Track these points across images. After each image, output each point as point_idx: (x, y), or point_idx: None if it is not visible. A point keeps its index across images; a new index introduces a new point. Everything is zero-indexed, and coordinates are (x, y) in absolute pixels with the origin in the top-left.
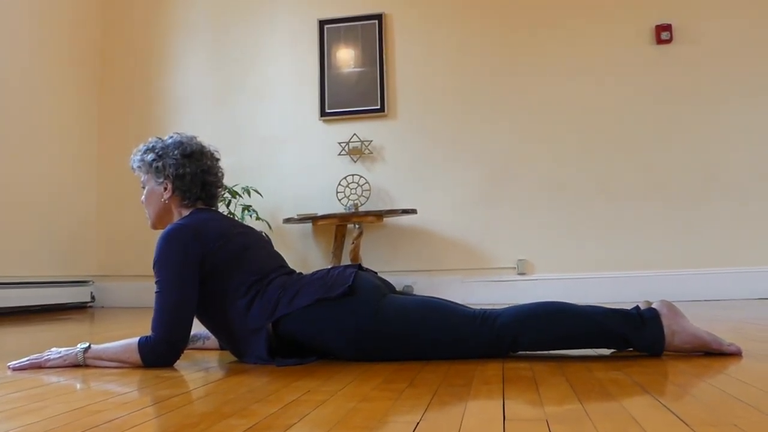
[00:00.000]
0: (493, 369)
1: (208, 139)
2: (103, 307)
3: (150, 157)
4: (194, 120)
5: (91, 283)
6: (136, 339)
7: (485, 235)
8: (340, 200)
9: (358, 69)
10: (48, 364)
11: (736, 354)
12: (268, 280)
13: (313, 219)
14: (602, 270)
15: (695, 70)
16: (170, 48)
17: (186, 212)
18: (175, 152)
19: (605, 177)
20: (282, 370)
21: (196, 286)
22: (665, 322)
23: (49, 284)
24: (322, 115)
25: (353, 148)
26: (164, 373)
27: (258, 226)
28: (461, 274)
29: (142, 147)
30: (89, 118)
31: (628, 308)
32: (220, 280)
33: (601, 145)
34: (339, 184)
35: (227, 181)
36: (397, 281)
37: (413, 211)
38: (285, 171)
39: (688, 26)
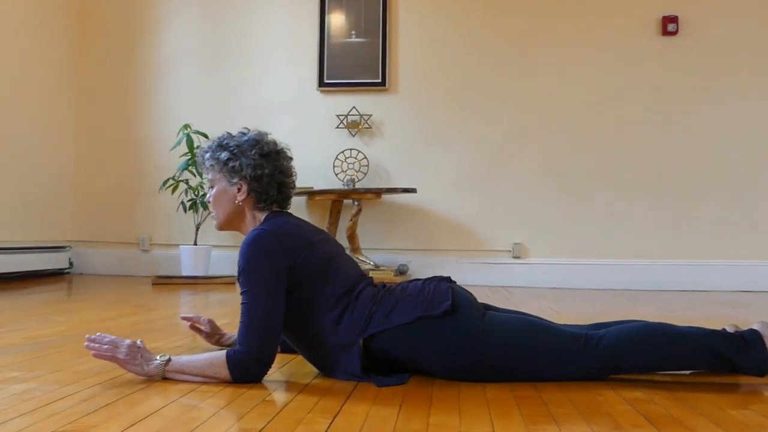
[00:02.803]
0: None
1: (196, 105)
2: (81, 273)
3: (224, 155)
4: (181, 84)
5: (68, 248)
6: (222, 353)
7: (482, 217)
8: (336, 175)
9: (360, 39)
10: (127, 367)
11: None
12: (356, 292)
13: (309, 193)
14: (595, 257)
15: (698, 64)
16: (157, 5)
17: (260, 215)
18: (252, 151)
19: (603, 165)
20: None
21: (284, 298)
22: None
23: (24, 250)
24: (320, 86)
25: (352, 121)
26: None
27: None
28: (456, 254)
29: (212, 143)
30: (67, 77)
31: (719, 330)
32: (307, 291)
33: (601, 133)
34: (336, 158)
35: None
36: (393, 260)
37: (413, 190)
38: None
39: (695, 19)
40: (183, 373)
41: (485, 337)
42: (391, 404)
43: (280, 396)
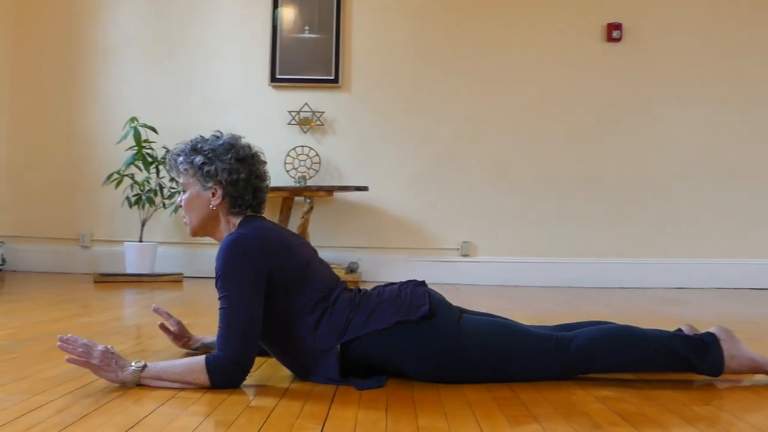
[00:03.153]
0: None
1: (143, 97)
2: (15, 271)
3: (198, 159)
4: (127, 75)
5: (1, 243)
6: (200, 358)
7: (432, 215)
8: (288, 171)
9: (313, 35)
10: (100, 374)
11: None
12: (333, 297)
13: None
14: (540, 255)
15: (639, 70)
16: None
17: (234, 220)
18: (228, 156)
19: (549, 166)
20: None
21: (262, 302)
22: (724, 346)
23: None
24: (272, 81)
25: (304, 118)
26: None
27: None
28: (406, 253)
29: (185, 146)
30: (1, 62)
31: (674, 331)
32: (284, 296)
33: (547, 135)
34: (288, 155)
35: (165, 142)
36: (343, 258)
37: (365, 188)
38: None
39: (638, 27)
40: (159, 379)
41: (462, 340)
42: (376, 408)
43: (263, 401)
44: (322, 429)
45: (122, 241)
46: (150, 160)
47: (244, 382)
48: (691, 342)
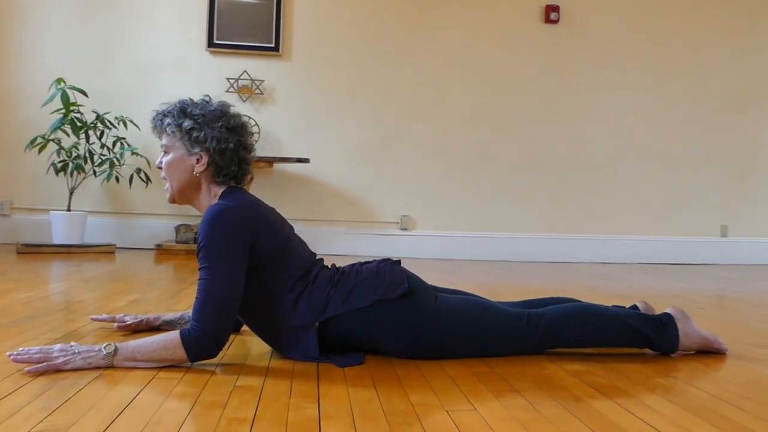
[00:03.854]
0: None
1: (69, 57)
2: None
3: (187, 123)
4: (51, 33)
5: None
6: (174, 333)
7: (373, 189)
8: None
9: (253, 0)
10: (68, 366)
11: (725, 350)
12: (313, 274)
13: None
14: (477, 230)
15: (576, 53)
16: None
17: (216, 189)
18: (218, 123)
19: (487, 144)
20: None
21: (244, 277)
22: (679, 325)
23: None
24: (209, 46)
25: (243, 86)
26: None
27: (137, 163)
28: (346, 225)
29: (172, 108)
30: None
31: (629, 308)
32: (265, 272)
33: (486, 114)
34: None
35: (95, 106)
36: None
37: (306, 161)
38: (162, 102)
39: (575, 10)
40: (134, 360)
41: (440, 317)
42: (364, 385)
43: (248, 381)
44: (318, 407)
45: (48, 210)
46: (79, 124)
47: (224, 362)
48: (651, 321)
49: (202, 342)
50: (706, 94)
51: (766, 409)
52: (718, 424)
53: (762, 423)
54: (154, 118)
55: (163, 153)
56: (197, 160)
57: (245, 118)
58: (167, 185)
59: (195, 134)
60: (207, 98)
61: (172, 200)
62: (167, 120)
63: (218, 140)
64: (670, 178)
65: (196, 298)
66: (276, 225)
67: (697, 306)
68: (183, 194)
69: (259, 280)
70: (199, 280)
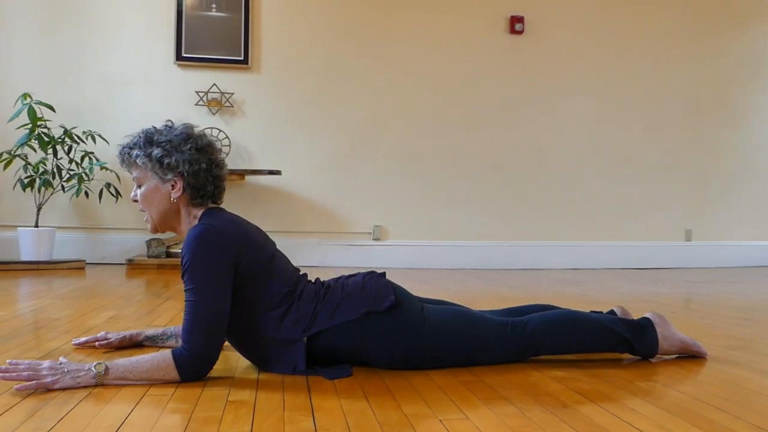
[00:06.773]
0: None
1: (34, 71)
2: None
3: (156, 152)
4: (15, 46)
5: None
6: (167, 353)
7: (344, 199)
8: None
9: (221, 13)
10: (57, 386)
11: (705, 354)
12: (299, 290)
13: None
14: (448, 239)
15: (540, 62)
16: None
17: (195, 211)
18: (187, 146)
19: (454, 152)
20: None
21: (230, 295)
22: (658, 329)
23: None
24: (177, 59)
25: (212, 99)
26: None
27: (106, 177)
28: (319, 236)
29: (137, 139)
30: None
31: (607, 313)
32: (251, 290)
33: (453, 122)
34: None
35: (63, 121)
36: None
37: (278, 172)
38: (131, 116)
39: (539, 21)
40: (125, 379)
41: (427, 328)
42: (356, 397)
43: (240, 395)
44: (313, 420)
45: (15, 227)
46: (47, 139)
47: (212, 376)
48: (631, 325)
49: (194, 362)
50: (666, 101)
51: (745, 410)
52: (699, 425)
53: (741, 423)
54: (120, 152)
55: (136, 186)
56: (172, 186)
57: (212, 137)
58: (146, 216)
59: (166, 161)
60: (170, 123)
61: (155, 230)
62: (135, 152)
63: (190, 163)
64: (634, 184)
65: (185, 319)
66: (260, 242)
67: (669, 310)
68: (164, 222)
69: (245, 297)
70: (186, 301)
